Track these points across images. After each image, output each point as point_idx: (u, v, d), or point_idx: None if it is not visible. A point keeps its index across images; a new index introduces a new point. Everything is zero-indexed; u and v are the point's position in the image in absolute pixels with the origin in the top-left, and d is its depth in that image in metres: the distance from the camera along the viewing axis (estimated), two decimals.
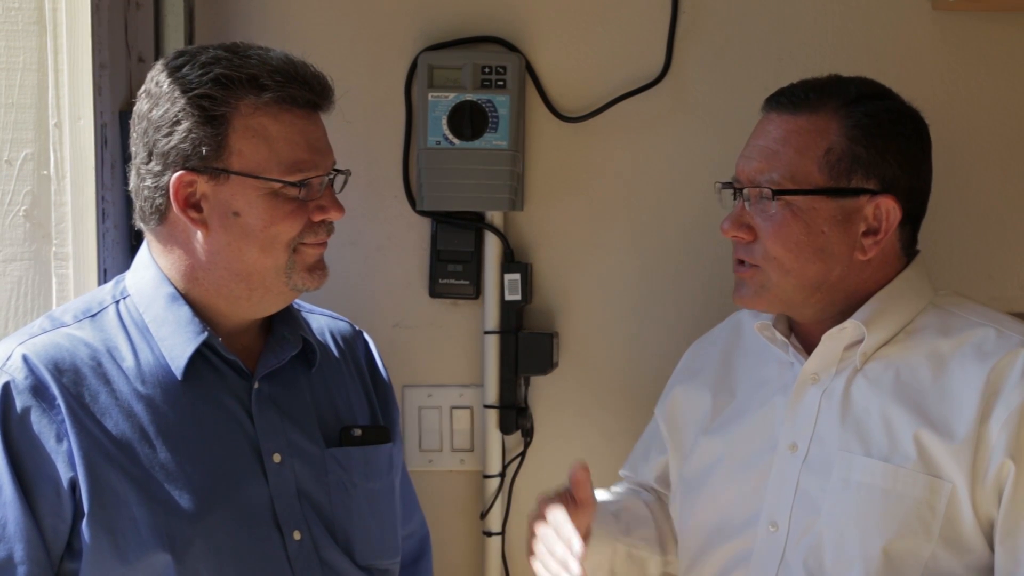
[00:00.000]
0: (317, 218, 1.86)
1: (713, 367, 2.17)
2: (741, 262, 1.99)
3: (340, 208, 1.88)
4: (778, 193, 1.93)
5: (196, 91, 1.78)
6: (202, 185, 1.81)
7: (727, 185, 2.02)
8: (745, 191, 1.97)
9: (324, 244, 1.89)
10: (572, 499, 1.97)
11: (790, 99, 1.97)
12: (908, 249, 2.02)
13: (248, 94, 1.80)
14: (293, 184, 1.82)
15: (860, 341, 1.95)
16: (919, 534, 1.86)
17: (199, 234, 1.83)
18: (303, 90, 1.83)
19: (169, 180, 1.80)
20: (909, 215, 1.98)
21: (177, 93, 1.79)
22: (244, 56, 1.82)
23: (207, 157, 1.79)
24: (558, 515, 1.95)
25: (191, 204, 1.81)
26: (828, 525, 1.91)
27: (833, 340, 1.96)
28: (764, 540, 1.97)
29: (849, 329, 1.95)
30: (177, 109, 1.79)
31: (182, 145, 1.79)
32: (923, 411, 1.89)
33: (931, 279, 2.04)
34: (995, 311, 2.00)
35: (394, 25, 2.48)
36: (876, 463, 1.89)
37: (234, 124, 1.80)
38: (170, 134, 1.80)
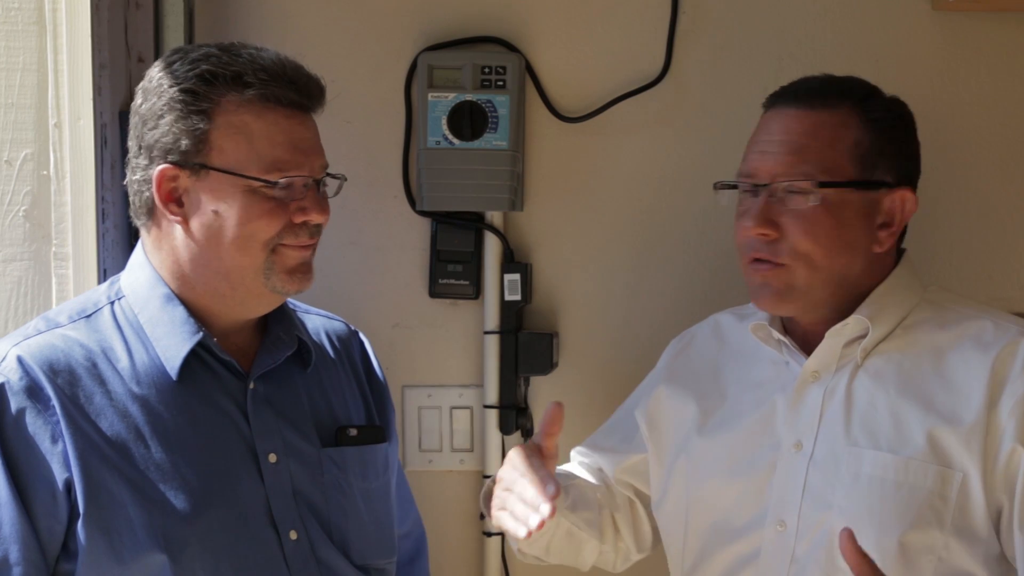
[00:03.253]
0: (298, 219, 1.84)
1: (697, 376, 2.15)
2: (759, 260, 1.96)
3: (323, 211, 1.86)
4: (821, 185, 1.92)
5: (181, 85, 1.79)
6: (184, 180, 1.81)
7: (729, 185, 2.01)
8: (771, 186, 1.95)
9: (308, 247, 1.88)
10: (539, 452, 1.94)
11: (807, 94, 1.97)
12: (899, 245, 2.04)
13: (231, 91, 1.80)
14: (271, 183, 1.82)
15: (859, 337, 1.96)
16: (933, 525, 1.87)
17: (180, 229, 1.83)
18: (288, 89, 1.82)
19: (154, 173, 1.81)
20: None
21: (164, 87, 1.81)
22: (234, 54, 1.82)
23: (188, 151, 1.80)
24: (532, 461, 1.92)
25: (173, 199, 1.82)
26: (841, 520, 1.90)
27: (835, 336, 1.96)
28: (772, 540, 1.97)
29: (851, 325, 1.95)
30: (163, 103, 1.80)
31: (164, 139, 1.80)
32: (929, 402, 1.90)
33: (920, 275, 2.05)
34: (983, 305, 2.04)
35: (394, 25, 2.47)
36: (886, 456, 1.89)
37: (216, 120, 1.80)
38: (155, 127, 1.81)
